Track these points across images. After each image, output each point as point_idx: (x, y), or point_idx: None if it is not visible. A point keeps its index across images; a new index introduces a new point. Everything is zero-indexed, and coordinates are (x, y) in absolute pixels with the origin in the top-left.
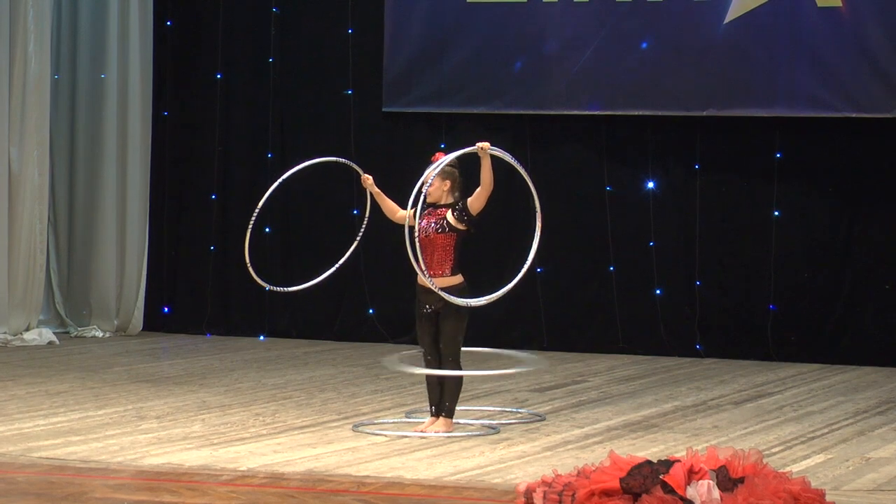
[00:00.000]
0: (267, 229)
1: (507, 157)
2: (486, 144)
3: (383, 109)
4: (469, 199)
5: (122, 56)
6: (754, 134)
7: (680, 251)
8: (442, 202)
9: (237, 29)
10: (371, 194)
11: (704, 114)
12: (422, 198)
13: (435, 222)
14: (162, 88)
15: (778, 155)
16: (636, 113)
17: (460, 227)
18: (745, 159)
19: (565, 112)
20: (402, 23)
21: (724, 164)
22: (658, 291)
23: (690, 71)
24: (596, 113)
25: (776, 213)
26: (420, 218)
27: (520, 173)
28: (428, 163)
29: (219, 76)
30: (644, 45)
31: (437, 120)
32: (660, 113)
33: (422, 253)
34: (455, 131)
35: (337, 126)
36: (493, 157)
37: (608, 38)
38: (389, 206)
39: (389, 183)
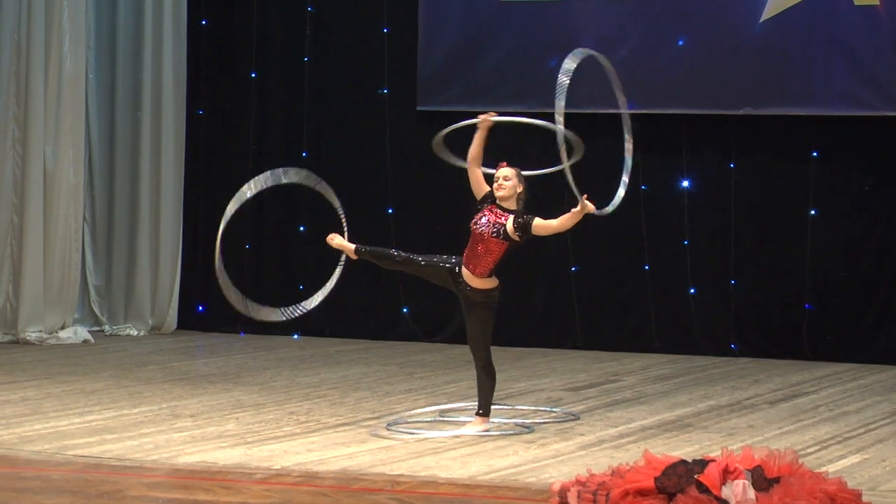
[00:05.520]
0: (301, 228)
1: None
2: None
3: (418, 108)
4: (537, 222)
5: (156, 56)
6: (790, 132)
7: (715, 250)
8: (507, 206)
9: (272, 28)
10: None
11: (740, 112)
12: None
13: (494, 225)
14: (197, 87)
15: (814, 153)
16: (671, 111)
17: (515, 237)
18: (780, 158)
19: (600, 111)
20: (436, 22)
21: (759, 163)
22: (692, 290)
23: (726, 69)
24: (631, 111)
25: (812, 212)
26: (481, 212)
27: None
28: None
29: (253, 75)
30: (680, 44)
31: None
32: (695, 111)
33: (469, 245)
34: (489, 130)
35: (371, 125)
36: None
37: (643, 37)
38: (478, 150)
39: (423, 181)
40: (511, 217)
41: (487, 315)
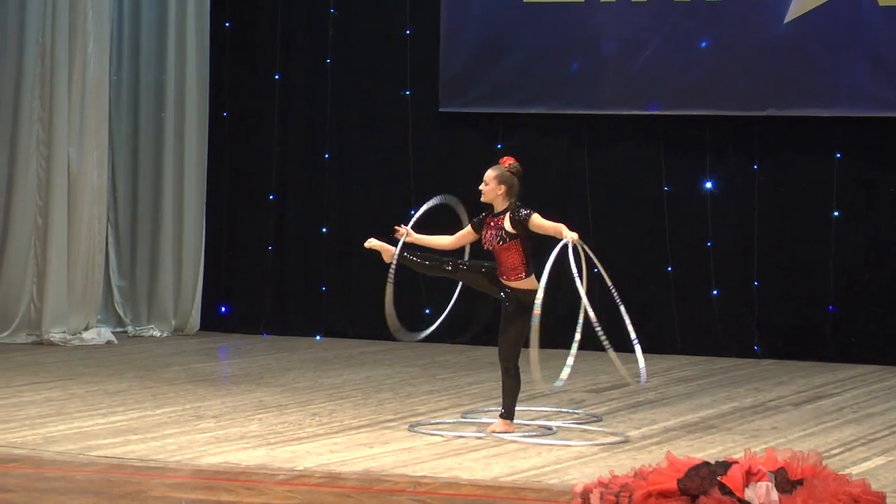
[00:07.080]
0: (324, 229)
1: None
2: (574, 236)
3: (440, 110)
4: (534, 219)
5: (179, 57)
6: (814, 134)
7: (738, 252)
8: (498, 208)
9: (295, 30)
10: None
11: (764, 114)
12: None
13: (496, 233)
14: (220, 89)
15: (838, 155)
16: (694, 113)
17: (514, 231)
18: (804, 159)
19: (623, 112)
20: (458, 23)
21: (783, 165)
22: (716, 292)
23: (750, 71)
24: (654, 113)
25: (836, 214)
26: (485, 230)
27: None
28: (487, 165)
29: (277, 77)
30: (703, 45)
31: (494, 120)
32: (718, 113)
33: (495, 261)
34: (512, 132)
35: (394, 126)
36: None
37: (667, 38)
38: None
39: (445, 183)
40: (507, 217)
41: (527, 319)
